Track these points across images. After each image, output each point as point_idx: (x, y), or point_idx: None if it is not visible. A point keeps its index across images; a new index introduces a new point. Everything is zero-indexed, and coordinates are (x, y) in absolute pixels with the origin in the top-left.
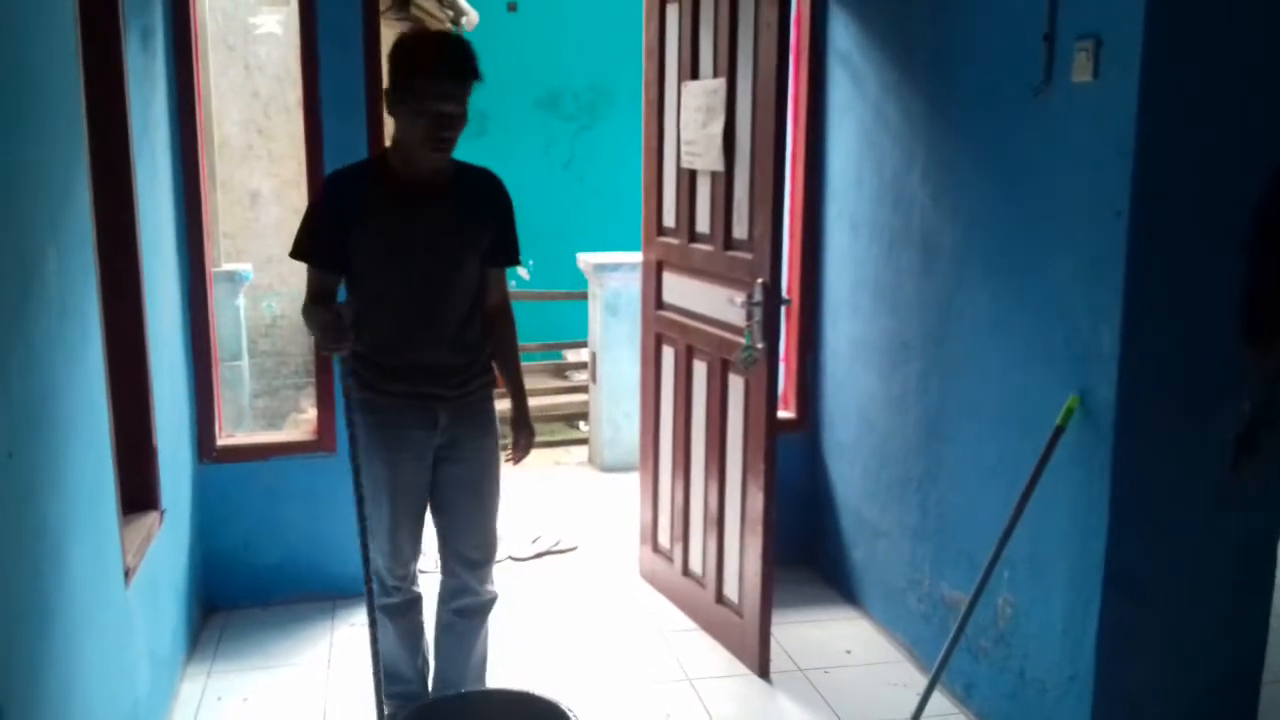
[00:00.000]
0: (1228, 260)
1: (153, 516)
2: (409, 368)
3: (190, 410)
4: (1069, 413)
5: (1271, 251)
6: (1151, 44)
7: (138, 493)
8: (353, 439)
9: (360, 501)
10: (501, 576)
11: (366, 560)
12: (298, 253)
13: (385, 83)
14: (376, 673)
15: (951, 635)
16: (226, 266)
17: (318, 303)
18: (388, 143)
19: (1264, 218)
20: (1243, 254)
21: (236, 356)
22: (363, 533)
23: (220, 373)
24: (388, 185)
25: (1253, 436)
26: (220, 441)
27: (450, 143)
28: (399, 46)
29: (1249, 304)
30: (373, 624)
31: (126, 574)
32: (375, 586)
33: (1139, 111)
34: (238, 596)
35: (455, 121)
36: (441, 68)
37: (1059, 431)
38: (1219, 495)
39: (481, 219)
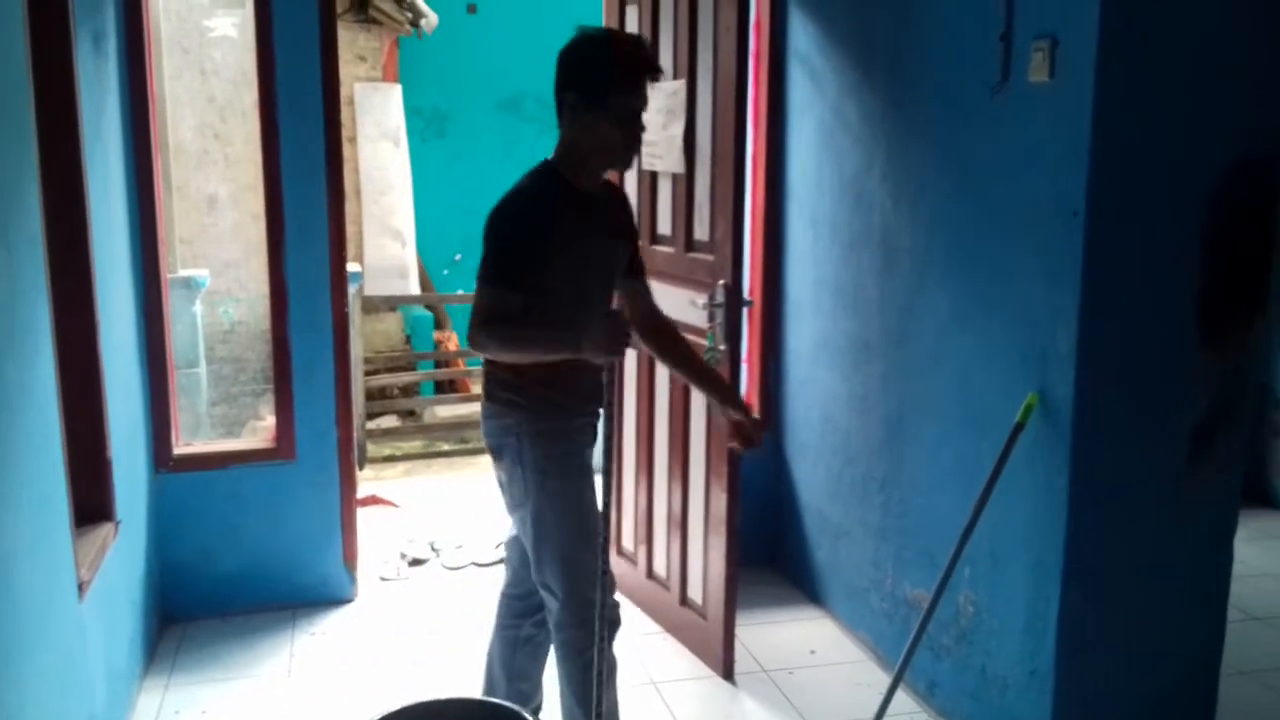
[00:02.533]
0: (1183, 258)
1: (107, 528)
2: (594, 384)
3: (145, 419)
4: (1028, 410)
5: (1226, 248)
6: (1106, 44)
7: (92, 504)
8: (543, 481)
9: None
10: (465, 583)
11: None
12: (508, 282)
13: (566, 89)
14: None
15: (914, 634)
16: (183, 272)
17: (512, 318)
18: (356, 144)
19: (1218, 215)
20: (1197, 251)
21: (193, 364)
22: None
23: (176, 380)
24: (570, 199)
25: (1209, 434)
26: (177, 450)
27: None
28: (591, 46)
29: (1203, 301)
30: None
31: (80, 587)
32: (590, 630)
33: (1094, 111)
34: (196, 607)
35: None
36: (643, 66)
37: (1018, 429)
38: (1177, 492)
39: (624, 231)
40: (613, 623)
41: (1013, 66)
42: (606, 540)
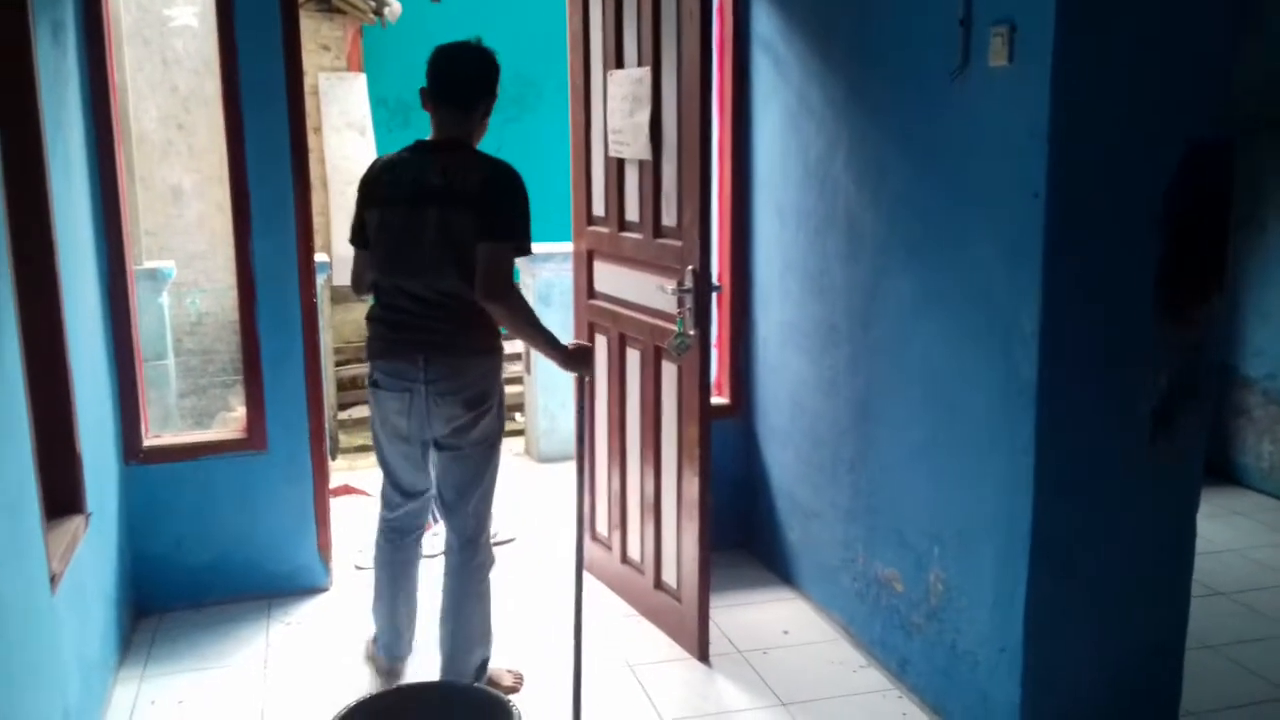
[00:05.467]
0: (1142, 238)
1: (78, 520)
2: None
3: (114, 411)
4: None
5: (1183, 228)
6: (1063, 29)
7: (62, 497)
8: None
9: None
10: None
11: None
12: (527, 250)
13: (491, 93)
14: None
15: None
16: (148, 264)
17: None
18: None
19: (1175, 196)
20: (1156, 231)
21: (161, 355)
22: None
23: (145, 372)
24: None
25: (1168, 411)
26: (147, 442)
27: None
28: (487, 54)
29: (1162, 281)
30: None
31: (52, 580)
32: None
33: (1052, 95)
34: (170, 599)
35: None
36: None
37: None
38: (1139, 469)
39: None
40: None
41: (972, 51)
42: None
